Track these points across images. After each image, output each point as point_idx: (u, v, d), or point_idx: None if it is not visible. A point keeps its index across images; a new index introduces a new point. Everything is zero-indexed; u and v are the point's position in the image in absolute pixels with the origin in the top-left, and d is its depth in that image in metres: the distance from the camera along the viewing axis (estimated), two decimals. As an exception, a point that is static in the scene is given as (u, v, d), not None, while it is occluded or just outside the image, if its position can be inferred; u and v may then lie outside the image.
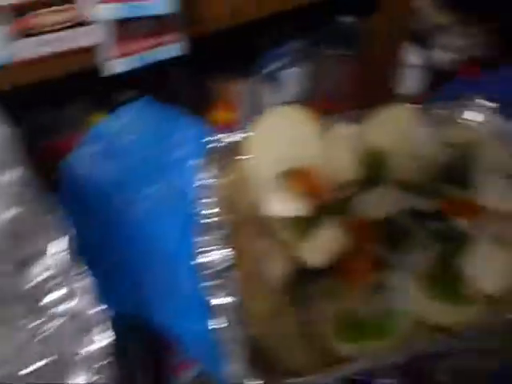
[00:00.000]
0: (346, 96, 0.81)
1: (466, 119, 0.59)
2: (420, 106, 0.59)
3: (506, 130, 0.57)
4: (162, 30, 0.54)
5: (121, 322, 0.49)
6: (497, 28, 0.99)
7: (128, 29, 0.52)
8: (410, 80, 1.06)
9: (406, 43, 1.01)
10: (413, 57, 1.03)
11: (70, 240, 0.39)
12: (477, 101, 0.60)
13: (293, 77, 0.82)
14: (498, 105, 0.59)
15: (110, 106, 0.60)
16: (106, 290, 0.51)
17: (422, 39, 0.99)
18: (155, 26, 0.54)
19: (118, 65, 0.54)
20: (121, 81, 0.63)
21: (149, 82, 0.68)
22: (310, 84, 0.82)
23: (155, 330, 0.54)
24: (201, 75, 0.77)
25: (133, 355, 0.50)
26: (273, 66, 0.81)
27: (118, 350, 0.48)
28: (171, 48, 0.56)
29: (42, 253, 0.39)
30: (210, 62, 0.77)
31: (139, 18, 0.51)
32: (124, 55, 0.54)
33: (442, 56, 0.99)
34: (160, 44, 0.56)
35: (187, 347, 0.52)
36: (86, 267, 0.38)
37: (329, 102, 0.81)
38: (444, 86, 0.86)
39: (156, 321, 0.52)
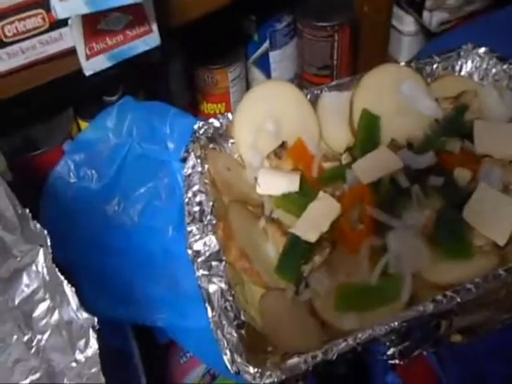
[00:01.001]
0: (340, 67, 0.79)
1: (458, 70, 0.57)
2: (410, 63, 0.57)
3: (500, 76, 0.54)
4: (136, 21, 0.53)
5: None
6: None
7: (100, 23, 0.51)
8: (408, 47, 1.03)
9: (398, 11, 0.99)
10: (406, 24, 1.00)
11: (50, 251, 0.38)
12: (468, 50, 0.57)
13: (283, 56, 0.80)
14: (491, 51, 0.56)
15: (93, 113, 0.59)
16: (101, 296, 0.51)
17: (414, 4, 0.96)
18: (128, 17, 0.52)
19: (95, 64, 0.53)
20: (104, 83, 0.63)
21: (134, 79, 0.67)
22: (302, 59, 0.80)
23: (154, 330, 0.53)
24: (189, 65, 0.76)
25: (135, 360, 0.50)
26: (262, 48, 0.79)
27: (117, 356, 0.48)
28: (148, 39, 0.55)
29: (24, 267, 0.39)
30: (197, 51, 0.75)
31: (109, 11, 0.50)
32: (99, 52, 0.53)
33: (438, 17, 0.96)
34: (136, 36, 0.54)
35: (189, 346, 0.50)
36: (68, 277, 0.37)
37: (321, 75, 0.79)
38: (432, 41, 0.83)
39: (155, 322, 0.51)
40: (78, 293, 0.38)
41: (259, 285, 0.41)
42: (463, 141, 0.47)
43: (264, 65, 0.81)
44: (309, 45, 0.77)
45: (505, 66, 0.54)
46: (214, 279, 0.39)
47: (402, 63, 0.57)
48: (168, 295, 0.52)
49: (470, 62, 0.57)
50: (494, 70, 0.55)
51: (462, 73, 0.57)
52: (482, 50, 0.56)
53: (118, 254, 0.55)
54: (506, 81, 0.53)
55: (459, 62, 0.57)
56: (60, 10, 0.47)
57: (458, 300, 0.35)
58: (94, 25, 0.50)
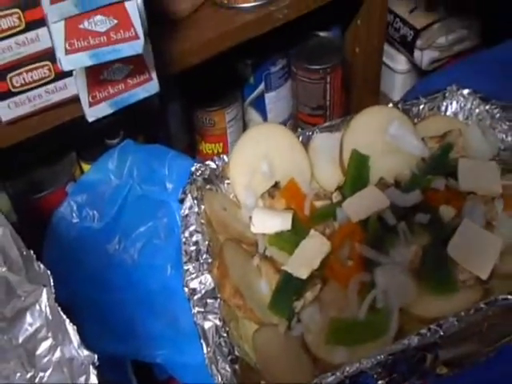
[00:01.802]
0: (333, 107, 0.83)
1: (444, 110, 0.60)
2: (397, 104, 0.60)
3: (483, 116, 0.57)
4: (136, 70, 0.57)
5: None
6: (478, 21, 1.00)
7: (102, 74, 0.55)
8: (401, 85, 1.07)
9: (390, 50, 1.04)
10: (398, 63, 1.05)
11: (53, 291, 0.40)
12: (452, 91, 0.60)
13: (278, 97, 0.85)
14: (474, 92, 0.60)
15: (95, 155, 0.63)
16: (103, 333, 0.53)
17: (405, 44, 1.01)
18: (129, 67, 0.56)
19: (97, 111, 0.57)
20: (106, 127, 0.66)
21: (134, 123, 0.70)
22: (296, 100, 0.84)
23: (153, 367, 0.54)
24: (188, 108, 0.80)
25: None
26: (258, 90, 0.84)
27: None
28: (148, 87, 0.59)
29: (28, 306, 0.41)
30: (195, 94, 0.80)
31: (111, 62, 0.54)
32: (102, 100, 0.56)
33: (429, 56, 1.00)
34: (136, 85, 0.58)
35: (187, 382, 0.52)
36: (69, 316, 0.39)
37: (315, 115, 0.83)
38: (420, 82, 0.87)
39: (155, 358, 0.52)
40: (80, 330, 0.40)
41: (253, 321, 0.43)
42: (448, 178, 0.50)
43: (260, 106, 0.85)
44: (302, 86, 0.82)
45: (487, 107, 0.58)
46: (209, 316, 0.41)
47: (390, 105, 0.60)
48: (167, 332, 0.54)
49: (454, 103, 0.60)
50: (477, 110, 0.58)
51: (448, 113, 0.61)
52: (466, 91, 0.60)
53: (119, 291, 0.57)
54: (488, 120, 0.57)
55: (444, 103, 0.61)
56: (65, 63, 0.51)
57: (441, 333, 0.37)
58: (97, 75, 0.54)
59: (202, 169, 0.55)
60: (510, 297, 0.39)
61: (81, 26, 0.51)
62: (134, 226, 0.60)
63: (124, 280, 0.58)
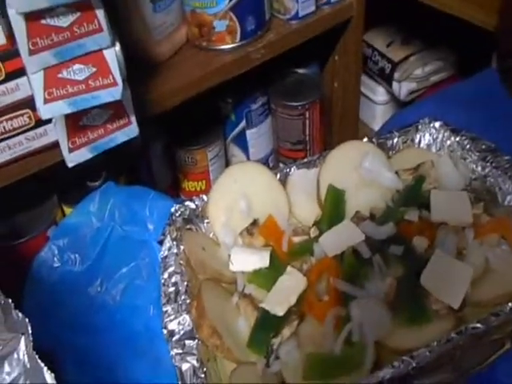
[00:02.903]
0: (313, 141, 0.86)
1: (418, 142, 0.63)
2: (372, 138, 0.63)
3: (454, 147, 0.60)
4: (116, 115, 0.59)
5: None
6: (453, 52, 1.05)
7: (82, 120, 0.58)
8: (381, 115, 1.11)
9: (370, 83, 1.08)
10: (378, 94, 1.09)
11: (31, 339, 0.41)
12: (425, 124, 0.63)
13: (259, 134, 0.88)
14: (446, 124, 0.63)
15: (77, 198, 0.65)
16: (84, 376, 0.54)
17: (383, 76, 1.05)
18: (108, 112, 0.59)
19: (77, 156, 0.59)
20: (87, 170, 0.69)
21: (116, 164, 0.73)
22: (277, 136, 0.87)
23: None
24: (170, 148, 0.83)
25: None
26: (239, 127, 0.87)
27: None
28: (127, 131, 0.62)
29: (6, 355, 0.42)
30: (177, 133, 0.82)
31: (90, 108, 0.56)
32: (81, 146, 0.59)
33: (407, 87, 1.05)
34: (116, 129, 0.61)
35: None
36: (47, 364, 0.40)
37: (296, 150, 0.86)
38: (400, 113, 0.91)
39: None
40: (62, 375, 0.41)
41: (231, 360, 0.44)
42: (421, 210, 0.53)
43: (242, 142, 0.88)
44: (282, 122, 0.85)
45: (458, 138, 0.60)
46: (187, 357, 0.43)
47: (365, 139, 0.63)
48: (151, 373, 0.55)
49: (427, 135, 0.63)
50: (448, 142, 0.61)
51: (421, 145, 0.63)
52: (438, 123, 0.63)
53: (102, 333, 0.58)
54: (459, 151, 0.60)
55: (418, 135, 0.63)
56: (44, 112, 0.53)
57: (414, 364, 0.39)
58: (77, 121, 0.57)
59: (181, 209, 0.57)
60: (479, 325, 0.41)
61: (59, 75, 0.54)
62: (116, 267, 0.62)
63: (106, 322, 0.59)
